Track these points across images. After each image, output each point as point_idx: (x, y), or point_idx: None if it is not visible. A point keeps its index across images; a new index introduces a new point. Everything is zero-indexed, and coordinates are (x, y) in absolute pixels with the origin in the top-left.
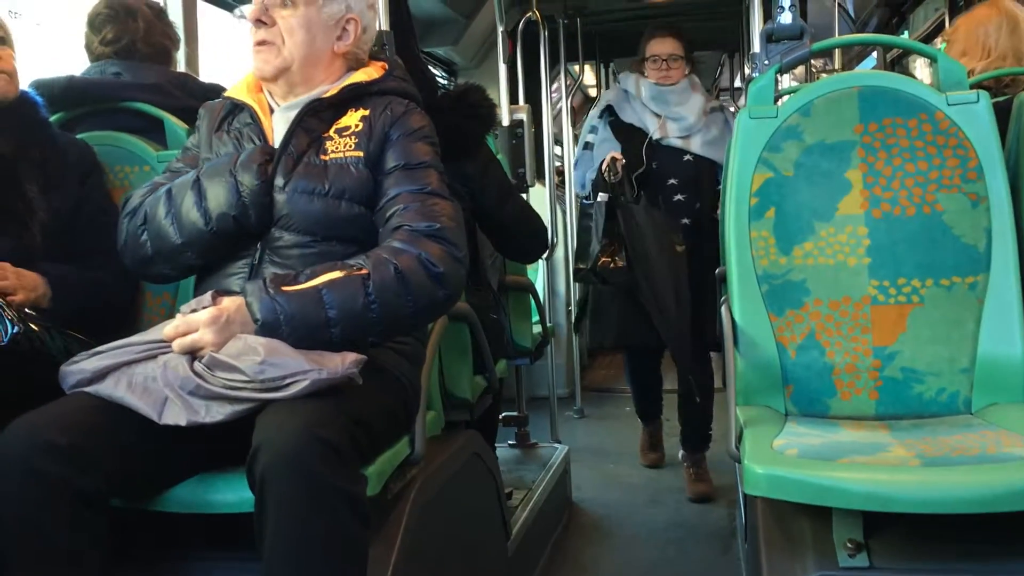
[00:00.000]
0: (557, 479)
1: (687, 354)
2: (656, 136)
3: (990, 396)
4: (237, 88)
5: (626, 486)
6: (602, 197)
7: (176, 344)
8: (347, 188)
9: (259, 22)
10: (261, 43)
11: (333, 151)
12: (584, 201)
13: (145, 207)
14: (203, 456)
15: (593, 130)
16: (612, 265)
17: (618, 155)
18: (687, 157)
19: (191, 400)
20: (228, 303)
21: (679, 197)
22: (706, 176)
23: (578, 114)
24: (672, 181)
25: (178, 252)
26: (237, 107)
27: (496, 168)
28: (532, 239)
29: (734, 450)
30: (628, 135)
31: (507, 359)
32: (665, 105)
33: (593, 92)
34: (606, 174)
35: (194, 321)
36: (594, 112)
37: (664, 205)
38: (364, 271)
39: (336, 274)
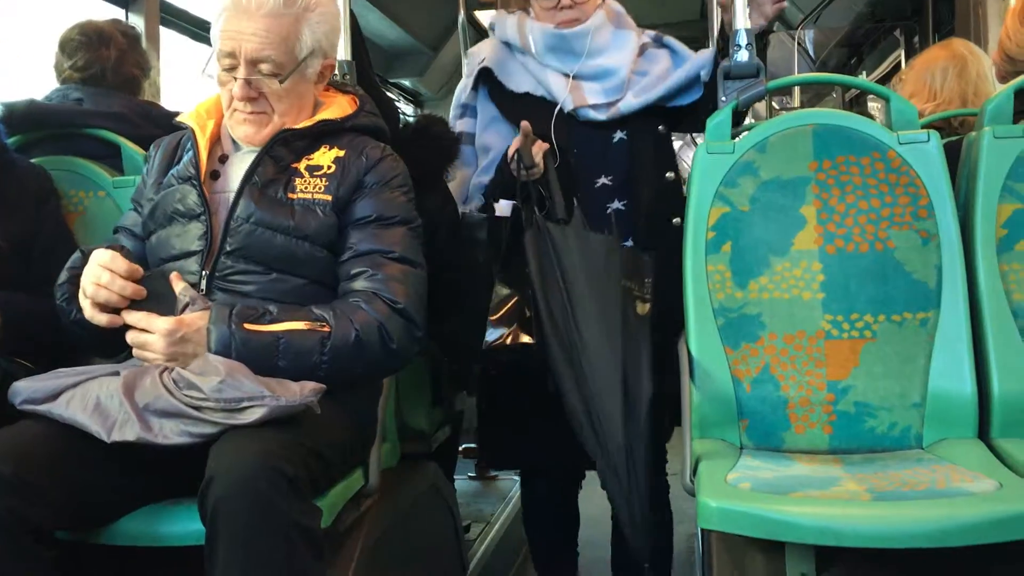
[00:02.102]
0: (516, 512)
1: (646, 522)
2: (568, 107)
3: (941, 431)
4: (189, 113)
5: (585, 518)
6: (502, 208)
7: (129, 336)
8: (311, 231)
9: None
10: (250, 113)
11: (302, 190)
12: (470, 215)
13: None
14: (154, 488)
15: (466, 111)
16: (510, 341)
17: (528, 129)
18: (619, 136)
19: (147, 416)
20: (191, 319)
21: (616, 205)
22: (650, 162)
23: None
24: (602, 180)
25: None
26: (187, 135)
27: (454, 208)
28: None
29: (689, 483)
30: (522, 109)
31: (467, 390)
32: (573, 57)
33: None
34: (513, 167)
35: (153, 324)
36: (463, 85)
37: (592, 220)
38: (327, 329)
39: (299, 325)
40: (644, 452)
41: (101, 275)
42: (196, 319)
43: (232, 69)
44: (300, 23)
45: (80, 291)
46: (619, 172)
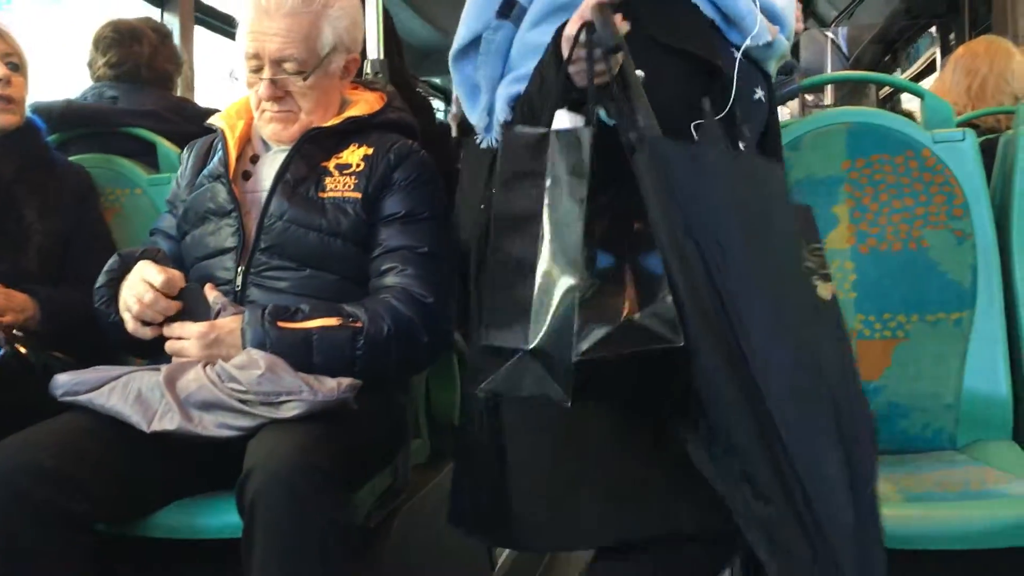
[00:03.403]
0: None
1: None
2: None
3: (975, 432)
4: (220, 115)
5: None
6: (568, 121)
7: (167, 347)
8: (343, 229)
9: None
10: (277, 112)
11: (332, 189)
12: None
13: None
14: (192, 481)
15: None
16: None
17: None
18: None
19: (188, 408)
20: (224, 323)
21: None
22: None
23: None
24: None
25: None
26: (218, 136)
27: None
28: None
29: None
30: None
31: None
32: None
33: None
34: (577, 51)
35: (187, 330)
36: None
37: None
38: (359, 324)
39: (332, 321)
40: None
41: (144, 294)
42: (229, 322)
43: (258, 70)
44: (320, 20)
45: (122, 302)
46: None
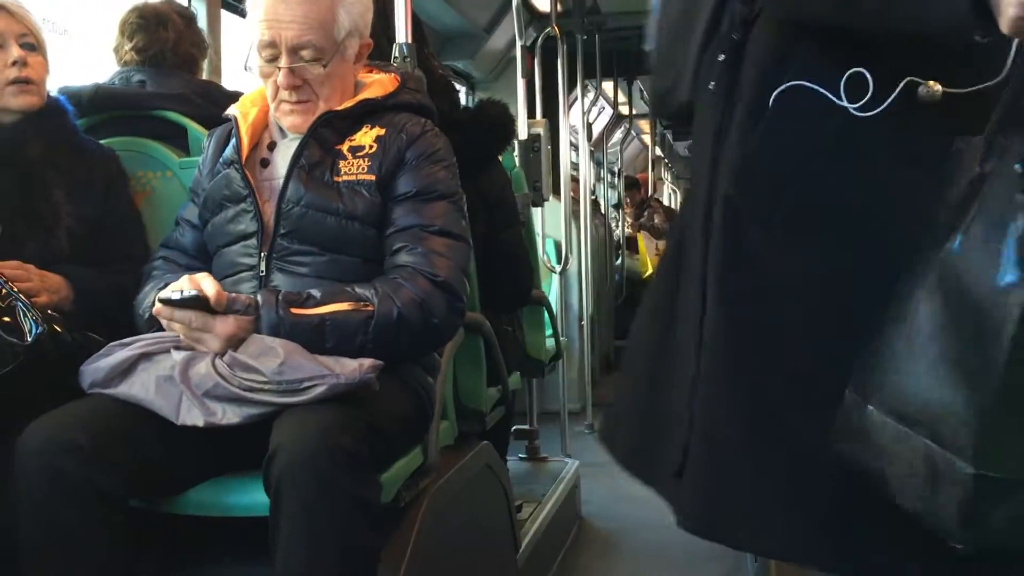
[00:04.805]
0: (567, 493)
1: None
2: None
3: None
4: (235, 104)
5: (635, 502)
6: None
7: (186, 336)
8: (360, 212)
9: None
10: (296, 103)
11: (346, 172)
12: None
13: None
14: (219, 459)
15: None
16: None
17: None
18: None
19: (207, 401)
20: (246, 323)
21: None
22: None
23: (609, 133)
24: None
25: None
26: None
27: (510, 191)
28: (513, 281)
29: None
30: None
31: (521, 372)
32: None
33: (624, 110)
34: None
35: (212, 325)
36: None
37: None
38: (370, 308)
39: (344, 306)
40: None
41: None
42: (249, 323)
43: (274, 59)
44: (336, 5)
45: (169, 325)
46: None
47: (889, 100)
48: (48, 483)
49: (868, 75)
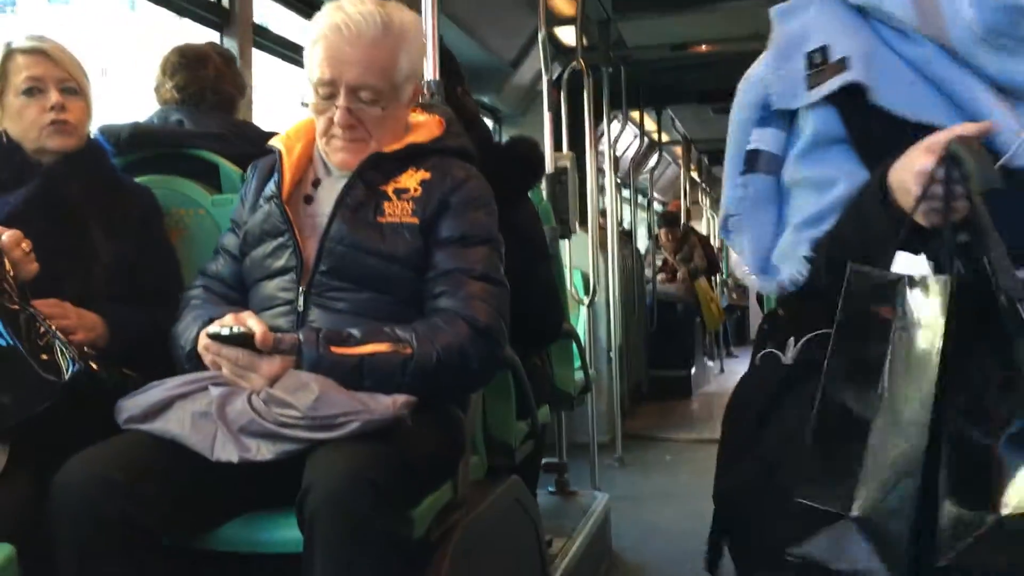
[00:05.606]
0: (597, 527)
1: None
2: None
3: None
4: (279, 136)
5: (666, 536)
6: (909, 264)
7: (229, 370)
8: (401, 254)
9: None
10: (350, 140)
11: (390, 214)
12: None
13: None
14: (252, 495)
15: (770, 117)
16: None
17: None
18: None
19: (243, 438)
20: (288, 363)
21: None
22: None
23: (641, 161)
24: None
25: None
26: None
27: (540, 225)
28: (545, 316)
29: None
30: (897, 137)
31: (550, 405)
32: None
33: (655, 137)
34: (937, 191)
35: (259, 365)
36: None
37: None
38: (409, 351)
39: (383, 347)
40: None
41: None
42: (290, 363)
43: (330, 97)
44: (398, 49)
45: (214, 359)
46: None
47: None
48: (85, 519)
49: None
